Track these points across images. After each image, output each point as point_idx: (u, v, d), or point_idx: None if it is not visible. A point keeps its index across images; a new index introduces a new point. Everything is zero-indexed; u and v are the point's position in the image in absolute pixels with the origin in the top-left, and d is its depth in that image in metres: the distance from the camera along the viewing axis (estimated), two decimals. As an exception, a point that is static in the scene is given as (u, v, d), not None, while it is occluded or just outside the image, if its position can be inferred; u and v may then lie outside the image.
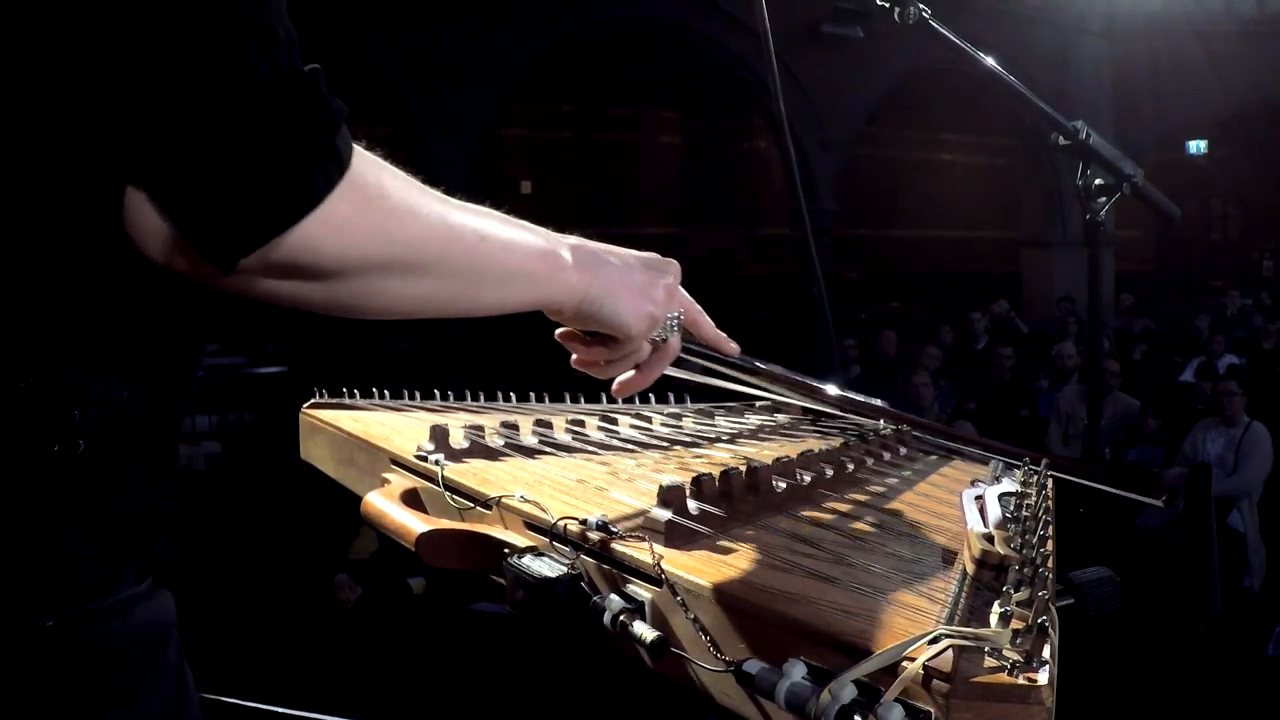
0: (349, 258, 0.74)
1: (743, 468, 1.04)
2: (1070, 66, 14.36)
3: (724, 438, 1.48)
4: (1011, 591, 0.74)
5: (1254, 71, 14.96)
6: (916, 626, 0.73)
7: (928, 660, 0.66)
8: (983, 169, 18.94)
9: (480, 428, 1.32)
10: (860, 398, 1.51)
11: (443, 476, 1.14)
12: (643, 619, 0.84)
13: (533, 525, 0.99)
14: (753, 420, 1.64)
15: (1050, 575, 0.81)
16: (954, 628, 0.70)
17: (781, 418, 1.67)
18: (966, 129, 17.39)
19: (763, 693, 0.71)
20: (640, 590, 0.86)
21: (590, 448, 1.35)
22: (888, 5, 1.61)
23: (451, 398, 1.72)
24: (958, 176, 19.09)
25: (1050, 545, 0.89)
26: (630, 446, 1.38)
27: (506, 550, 0.96)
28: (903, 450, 1.39)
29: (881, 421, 1.49)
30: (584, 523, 0.93)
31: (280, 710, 2.30)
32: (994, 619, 0.71)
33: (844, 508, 1.08)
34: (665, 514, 0.92)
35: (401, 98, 10.33)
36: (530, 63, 11.23)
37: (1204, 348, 10.30)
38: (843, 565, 0.87)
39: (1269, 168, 19.26)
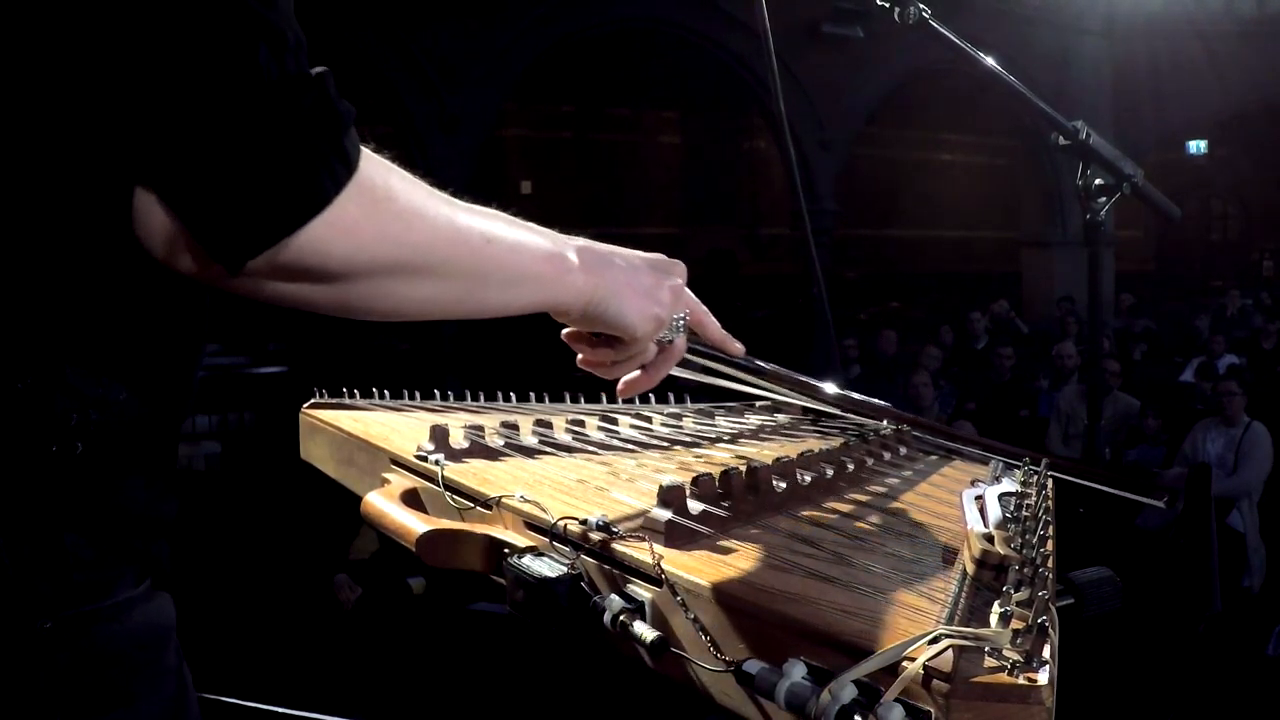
0: (357, 260, 0.74)
1: (743, 468, 1.04)
2: (1070, 66, 14.37)
3: (724, 438, 1.48)
4: (1011, 591, 0.74)
5: (1254, 71, 14.97)
6: (916, 626, 0.73)
7: (928, 660, 0.66)
8: (983, 169, 18.94)
9: (480, 428, 1.32)
10: (860, 397, 1.51)
11: (443, 476, 1.14)
12: (643, 619, 0.84)
13: (533, 525, 0.99)
14: (753, 420, 1.64)
15: (1050, 575, 0.81)
16: (954, 628, 0.70)
17: (781, 418, 1.67)
18: (966, 129, 17.39)
19: (763, 693, 0.71)
20: (640, 590, 0.86)
21: (590, 448, 1.35)
22: (888, 5, 1.61)
23: (451, 398, 1.72)
24: (958, 176, 19.09)
25: (1050, 545, 0.89)
26: (630, 446, 1.38)
27: (506, 550, 0.96)
28: (903, 450, 1.39)
29: (884, 422, 1.49)
30: (584, 523, 0.93)
31: (280, 710, 2.30)
32: (994, 619, 0.71)
33: (844, 508, 1.08)
34: (665, 514, 0.92)
35: (401, 98, 10.33)
36: (530, 63, 11.23)
37: (1204, 348, 10.30)
38: (843, 565, 0.87)
39: (1269, 168, 19.26)
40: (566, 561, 0.92)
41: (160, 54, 0.65)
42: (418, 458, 1.21)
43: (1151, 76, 14.86)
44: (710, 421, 1.60)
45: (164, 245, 0.70)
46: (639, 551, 0.88)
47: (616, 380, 1.07)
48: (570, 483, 1.14)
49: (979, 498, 1.02)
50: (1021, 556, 0.82)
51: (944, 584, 0.83)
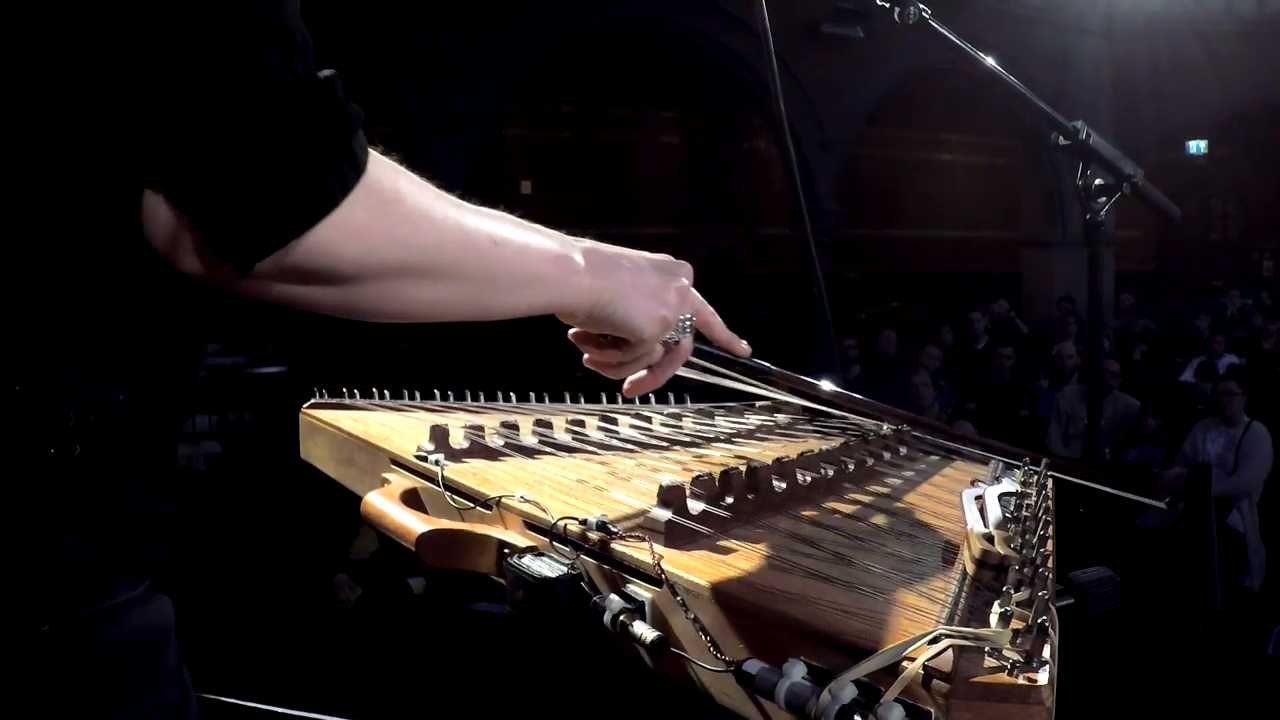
0: (365, 262, 0.74)
1: (743, 468, 1.04)
2: (1070, 66, 14.36)
3: (724, 438, 1.48)
4: (1011, 591, 0.74)
5: (1254, 71, 14.96)
6: (916, 626, 0.73)
7: (928, 660, 0.66)
8: (983, 169, 18.93)
9: (480, 428, 1.32)
10: (862, 398, 1.51)
11: (443, 476, 1.14)
12: (643, 619, 0.84)
13: (533, 525, 0.99)
14: (753, 420, 1.64)
15: (1050, 575, 0.81)
16: (954, 628, 0.70)
17: (781, 418, 1.67)
18: (966, 129, 17.39)
19: (763, 693, 0.71)
20: (640, 590, 0.86)
21: (590, 448, 1.35)
22: (888, 5, 1.61)
23: (451, 398, 1.72)
24: (958, 176, 19.09)
25: (1050, 545, 0.89)
26: (630, 446, 1.38)
27: (506, 550, 0.96)
28: (903, 450, 1.39)
29: (884, 423, 1.49)
30: (584, 523, 0.93)
31: (280, 710, 2.30)
32: (994, 619, 0.71)
33: (844, 508, 1.08)
34: (665, 514, 0.92)
35: (401, 98, 10.33)
36: (530, 63, 11.23)
37: (1204, 348, 10.30)
38: (843, 565, 0.87)
39: (1269, 168, 19.27)
40: (566, 561, 0.92)
41: (169, 56, 0.65)
42: (418, 458, 1.21)
43: (1151, 76, 14.85)
44: (710, 421, 1.60)
45: (172, 247, 0.70)
46: (639, 551, 0.88)
47: (621, 380, 1.07)
48: (570, 483, 1.14)
49: (979, 498, 1.02)
50: (1021, 556, 0.82)
51: (944, 584, 0.83)
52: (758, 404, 1.74)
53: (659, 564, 0.84)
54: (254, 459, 7.57)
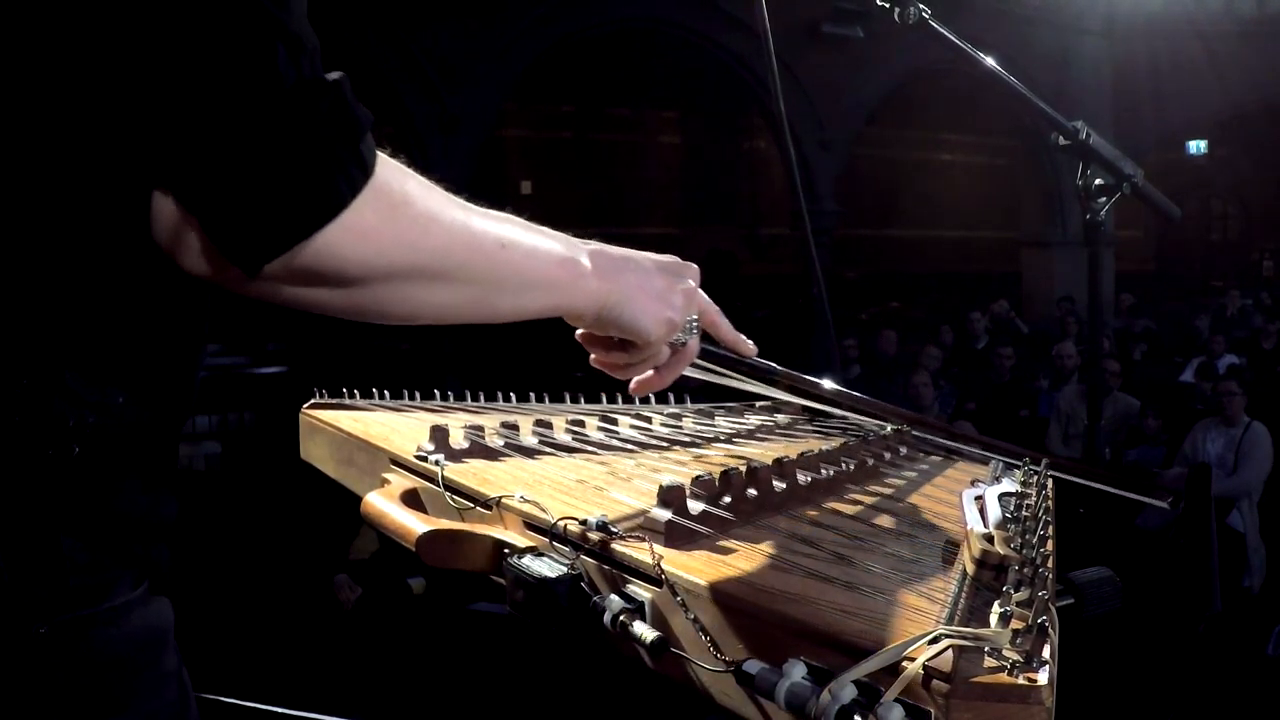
0: (373, 264, 0.74)
1: (743, 468, 1.04)
2: (1070, 66, 14.36)
3: (724, 438, 1.48)
4: (1011, 591, 0.74)
5: (1254, 71, 14.96)
6: (916, 626, 0.73)
7: (928, 660, 0.66)
8: (983, 169, 18.93)
9: (480, 428, 1.32)
10: (867, 399, 1.51)
11: (443, 477, 1.14)
12: (643, 619, 0.84)
13: (533, 525, 0.99)
14: (753, 420, 1.64)
15: (1050, 575, 0.81)
16: (954, 628, 0.70)
17: (781, 418, 1.67)
18: (966, 129, 17.39)
19: (763, 693, 0.71)
20: (640, 590, 0.86)
21: (590, 448, 1.35)
22: (888, 5, 1.61)
23: (451, 398, 1.72)
24: (958, 176, 19.09)
25: (1050, 545, 0.89)
26: (630, 446, 1.38)
27: (506, 550, 0.96)
28: (902, 450, 1.39)
29: (888, 423, 1.48)
30: (584, 523, 0.93)
31: (280, 710, 2.30)
32: (994, 619, 0.71)
33: (844, 508, 1.08)
34: (665, 514, 0.92)
35: (401, 98, 10.33)
36: (530, 63, 11.23)
37: (1204, 348, 10.30)
38: (842, 565, 0.87)
39: (1269, 168, 19.27)
40: (566, 561, 0.92)
41: (178, 58, 0.65)
42: (418, 458, 1.21)
43: (1151, 76, 14.85)
44: (710, 421, 1.60)
45: (181, 248, 0.70)
46: (639, 551, 0.88)
47: (627, 380, 1.08)
48: (570, 483, 1.14)
49: (979, 498, 1.02)
50: (1021, 556, 0.82)
51: (944, 584, 0.83)
52: (758, 404, 1.74)
53: (659, 564, 0.84)
54: (254, 459, 7.56)
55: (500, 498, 1.04)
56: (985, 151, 18.44)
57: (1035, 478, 1.15)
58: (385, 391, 1.69)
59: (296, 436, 1.59)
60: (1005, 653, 0.66)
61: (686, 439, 1.45)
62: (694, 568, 0.84)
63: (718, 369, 1.18)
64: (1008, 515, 0.98)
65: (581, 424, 1.44)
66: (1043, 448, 6.27)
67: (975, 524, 0.93)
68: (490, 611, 4.18)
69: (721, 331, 1.09)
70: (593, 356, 1.05)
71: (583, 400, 1.69)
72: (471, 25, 10.51)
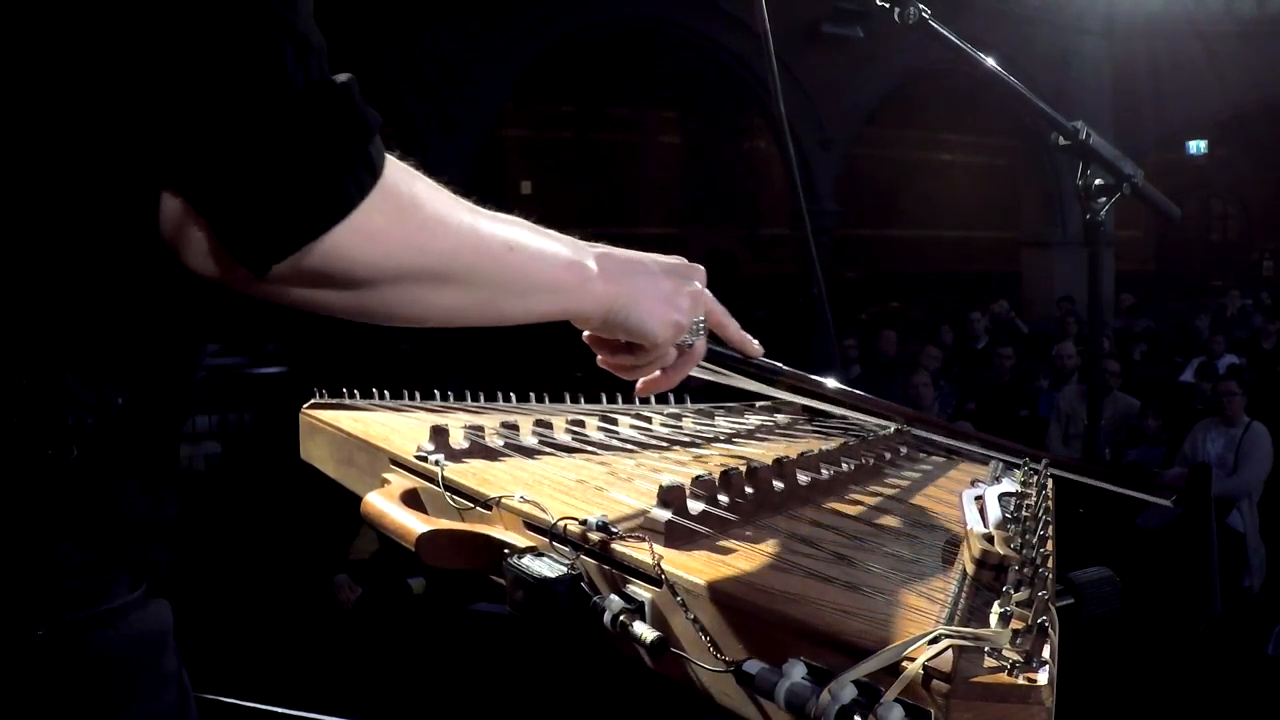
0: (380, 267, 0.75)
1: (743, 468, 1.04)
2: (1070, 66, 14.36)
3: (724, 438, 1.48)
4: (1011, 591, 0.74)
5: (1254, 71, 14.95)
6: (916, 626, 0.73)
7: (928, 660, 0.66)
8: (983, 169, 18.93)
9: (480, 428, 1.32)
10: (874, 399, 1.50)
11: (443, 477, 1.14)
12: (643, 619, 0.84)
13: (533, 525, 0.99)
14: (753, 420, 1.64)
15: (1050, 575, 0.81)
16: (954, 628, 0.70)
17: (781, 418, 1.67)
18: (966, 129, 17.38)
19: (763, 693, 0.71)
20: (640, 590, 0.86)
21: (590, 448, 1.35)
22: (888, 5, 1.61)
23: (451, 398, 1.72)
24: (958, 176, 19.08)
25: (1050, 545, 0.89)
26: (630, 446, 1.38)
27: (506, 550, 0.96)
28: (902, 450, 1.39)
29: (892, 424, 1.48)
30: (584, 523, 0.93)
31: (280, 710, 2.30)
32: (994, 619, 0.71)
33: (844, 508, 1.08)
34: (665, 514, 0.92)
35: (401, 98, 10.32)
36: (530, 63, 11.23)
37: (1204, 348, 10.30)
38: (842, 565, 0.87)
39: (1269, 168, 19.26)
40: (566, 561, 0.92)
41: (186, 60, 0.65)
42: (418, 458, 1.21)
43: (1151, 76, 14.85)
44: (710, 421, 1.60)
45: (189, 249, 0.70)
46: (639, 552, 0.88)
47: (634, 380, 1.08)
48: (570, 483, 1.14)
49: (979, 498, 1.02)
50: (1021, 556, 0.82)
51: (944, 584, 0.83)
52: (758, 404, 1.74)
53: (659, 564, 0.84)
54: (254, 459, 7.57)
55: (500, 498, 1.04)
56: (985, 151, 18.43)
57: (1035, 478, 1.15)
58: (385, 391, 1.69)
59: (296, 436, 1.59)
60: (1005, 653, 0.66)
61: (686, 439, 1.45)
62: (694, 568, 0.84)
63: (724, 369, 1.18)
64: (1008, 515, 0.98)
65: (581, 424, 1.44)
66: (1042, 448, 6.27)
67: (975, 524, 0.93)
68: (490, 611, 4.19)
69: (728, 332, 1.09)
70: (600, 357, 1.06)
71: (583, 400, 1.69)
72: (471, 25, 10.51)
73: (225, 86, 0.66)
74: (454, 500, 1.10)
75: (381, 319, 0.80)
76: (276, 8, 0.67)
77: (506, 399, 1.70)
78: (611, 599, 0.86)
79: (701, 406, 1.68)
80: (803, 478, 1.10)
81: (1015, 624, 0.68)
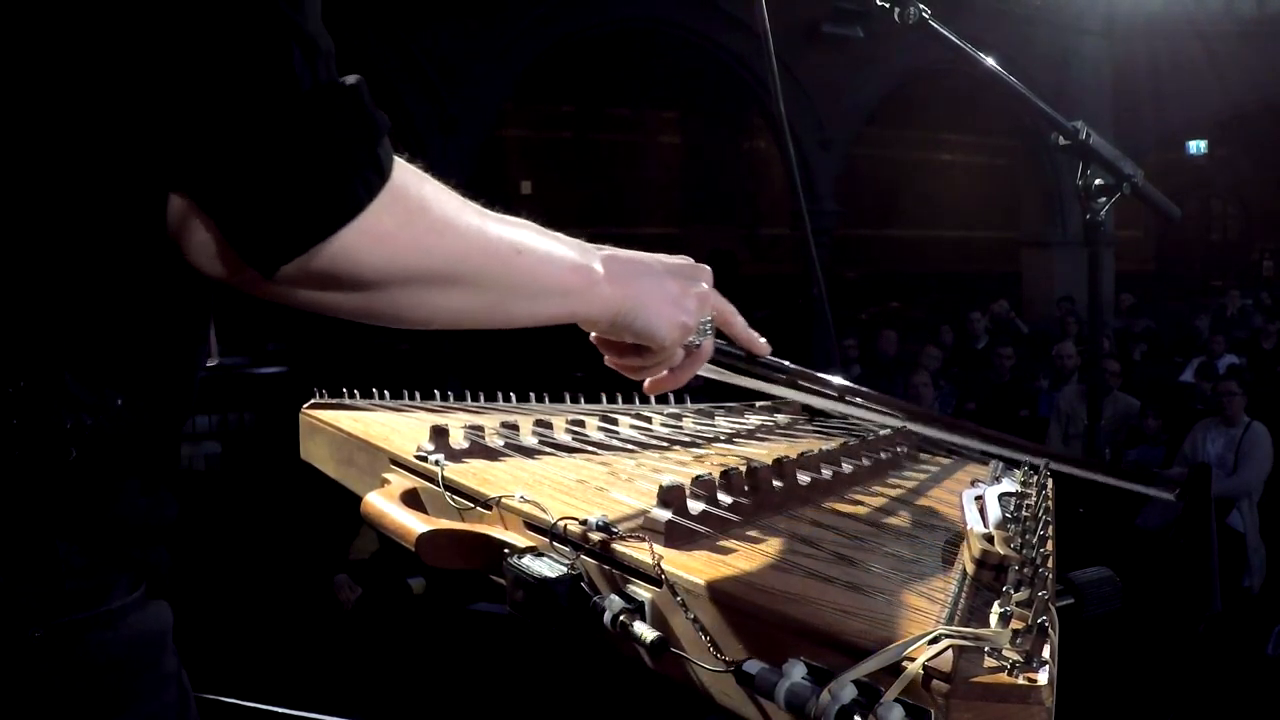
0: (388, 269, 0.75)
1: (742, 468, 1.04)
2: (1070, 66, 14.36)
3: (724, 438, 1.48)
4: (1011, 591, 0.74)
5: (1254, 71, 14.95)
6: (916, 626, 0.73)
7: (928, 660, 0.66)
8: (983, 169, 18.93)
9: (480, 428, 1.32)
10: (885, 398, 1.49)
11: (443, 477, 1.14)
12: (643, 619, 0.84)
13: (533, 525, 0.99)
14: (753, 420, 1.64)
15: (1050, 575, 0.81)
16: (954, 628, 0.70)
17: (781, 418, 1.67)
18: (966, 129, 17.38)
19: (763, 693, 0.71)
20: (640, 590, 0.86)
21: (590, 448, 1.35)
22: (888, 5, 1.61)
23: (451, 398, 1.72)
24: (958, 176, 19.08)
25: (1050, 545, 0.89)
26: (630, 446, 1.38)
27: (506, 550, 0.96)
28: (902, 451, 1.39)
29: (894, 423, 1.47)
30: (584, 523, 0.93)
31: (280, 710, 2.30)
32: (994, 619, 0.71)
33: (844, 508, 1.08)
34: (665, 514, 0.92)
35: (401, 98, 10.32)
36: (530, 63, 11.23)
37: (1204, 348, 10.30)
38: (842, 565, 0.87)
39: (1269, 168, 19.26)
40: (566, 561, 0.92)
41: (194, 61, 0.65)
42: (418, 458, 1.21)
43: (1151, 76, 14.85)
44: (710, 421, 1.60)
45: (197, 250, 0.70)
46: (639, 551, 0.88)
47: (641, 380, 1.08)
48: (570, 483, 1.14)
49: (979, 498, 1.02)
50: (1021, 556, 0.82)
51: (944, 584, 0.83)
52: (758, 404, 1.73)
53: (659, 564, 0.84)
54: (254, 459, 7.57)
55: (500, 498, 1.04)
56: (985, 151, 18.43)
57: (1035, 478, 1.15)
58: (385, 391, 1.69)
59: (296, 436, 1.59)
60: (1005, 653, 0.66)
61: (687, 439, 1.45)
62: (694, 568, 0.84)
63: (731, 368, 1.18)
64: (1008, 515, 0.98)
65: (581, 424, 1.44)
66: (1043, 448, 6.26)
67: (975, 524, 0.93)
68: (490, 611, 4.19)
69: (736, 330, 1.09)
70: (607, 358, 1.06)
71: (583, 400, 1.69)
72: (471, 25, 10.51)
73: (233, 88, 0.66)
74: (454, 500, 1.10)
75: (389, 321, 0.80)
76: (285, 10, 0.67)
77: (506, 399, 1.70)
78: (611, 599, 0.86)
79: (702, 406, 1.68)
80: (803, 478, 1.10)
81: (1015, 624, 0.68)
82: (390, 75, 10.23)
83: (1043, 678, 0.64)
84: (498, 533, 1.01)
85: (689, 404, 1.68)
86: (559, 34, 11.25)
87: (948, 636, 0.68)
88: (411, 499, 1.13)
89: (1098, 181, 1.82)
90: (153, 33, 0.65)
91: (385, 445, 1.31)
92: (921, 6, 1.61)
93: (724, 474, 1.02)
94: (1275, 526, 6.37)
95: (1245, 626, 5.16)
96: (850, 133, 13.74)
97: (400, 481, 1.19)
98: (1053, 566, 0.86)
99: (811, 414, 1.63)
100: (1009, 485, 1.12)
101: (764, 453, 1.33)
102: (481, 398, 1.71)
